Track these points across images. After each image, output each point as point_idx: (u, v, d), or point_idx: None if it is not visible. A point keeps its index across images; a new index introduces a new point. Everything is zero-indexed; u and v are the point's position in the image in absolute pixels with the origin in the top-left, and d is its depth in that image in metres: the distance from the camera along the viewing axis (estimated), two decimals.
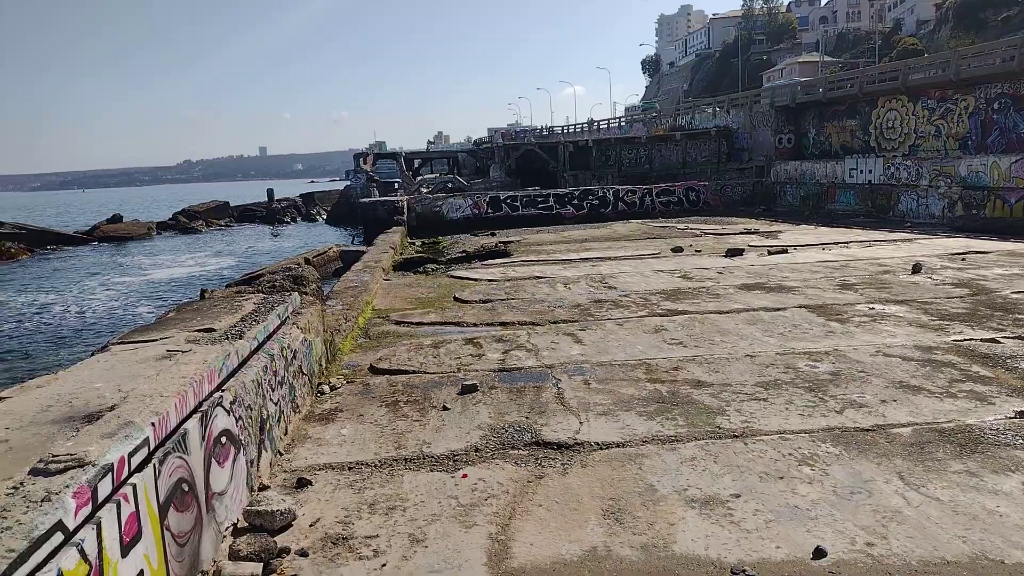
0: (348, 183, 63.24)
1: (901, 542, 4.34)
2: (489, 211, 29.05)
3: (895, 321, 10.00)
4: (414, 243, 24.23)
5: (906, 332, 9.36)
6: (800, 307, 11.12)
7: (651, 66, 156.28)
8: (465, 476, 5.51)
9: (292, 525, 4.79)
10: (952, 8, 73.78)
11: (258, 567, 4.23)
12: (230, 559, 4.30)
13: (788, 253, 17.25)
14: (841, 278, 13.57)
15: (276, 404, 6.01)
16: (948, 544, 4.29)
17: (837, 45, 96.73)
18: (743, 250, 17.55)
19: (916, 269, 13.88)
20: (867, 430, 6.10)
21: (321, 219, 64.34)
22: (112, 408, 3.77)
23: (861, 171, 26.54)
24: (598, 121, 59.46)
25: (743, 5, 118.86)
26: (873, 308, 10.88)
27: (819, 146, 31.83)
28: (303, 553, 4.45)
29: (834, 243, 18.86)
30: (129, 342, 5.51)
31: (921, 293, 11.85)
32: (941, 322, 9.81)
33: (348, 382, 8.12)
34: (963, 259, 15.39)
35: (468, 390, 7.52)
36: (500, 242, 22.21)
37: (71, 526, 2.78)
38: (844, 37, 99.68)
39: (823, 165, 28.77)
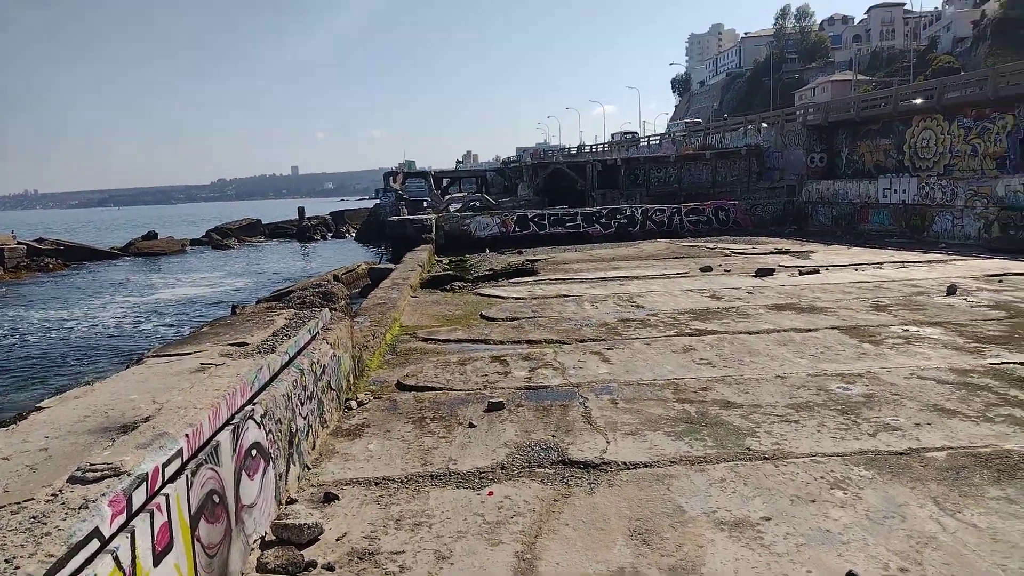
0: (377, 201, 63.96)
1: (936, 568, 4.24)
2: (516, 229, 29.15)
3: (930, 343, 9.81)
4: (441, 261, 24.38)
5: (941, 355, 9.18)
6: (832, 328, 10.97)
7: (681, 85, 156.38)
8: (491, 493, 5.50)
9: (319, 539, 4.82)
10: (990, 25, 72.83)
11: None
12: (258, 572, 4.34)
13: (820, 273, 17.03)
14: (874, 299, 13.36)
15: (305, 418, 6.07)
16: (986, 572, 4.18)
17: (871, 64, 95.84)
18: (773, 270, 17.37)
19: (951, 291, 13.61)
20: (901, 454, 5.98)
21: (350, 236, 65.10)
22: (147, 419, 3.85)
23: (895, 191, 26.17)
24: (631, 134, 59.53)
25: (775, 24, 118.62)
26: (907, 330, 10.69)
27: (852, 165, 31.48)
28: (330, 567, 4.47)
29: (867, 264, 18.59)
30: (164, 355, 5.62)
31: (956, 315, 11.62)
32: (977, 345, 9.61)
33: (375, 398, 8.17)
34: (1000, 281, 15.06)
35: (494, 407, 7.52)
36: (527, 260, 22.25)
37: (107, 534, 2.84)
38: (878, 55, 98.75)
39: (856, 184, 28.43)
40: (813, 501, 5.16)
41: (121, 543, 2.89)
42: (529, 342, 10.85)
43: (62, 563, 2.52)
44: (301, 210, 71.96)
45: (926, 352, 9.33)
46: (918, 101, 27.92)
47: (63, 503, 2.85)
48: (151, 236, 59.18)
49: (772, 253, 21.85)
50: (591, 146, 61.38)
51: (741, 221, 30.48)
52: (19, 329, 23.73)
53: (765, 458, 5.99)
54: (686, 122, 72.87)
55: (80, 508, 2.82)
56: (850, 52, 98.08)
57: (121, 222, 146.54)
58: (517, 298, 15.16)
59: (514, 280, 18.37)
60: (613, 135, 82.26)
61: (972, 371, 8.35)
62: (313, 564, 4.49)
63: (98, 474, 3.08)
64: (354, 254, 46.20)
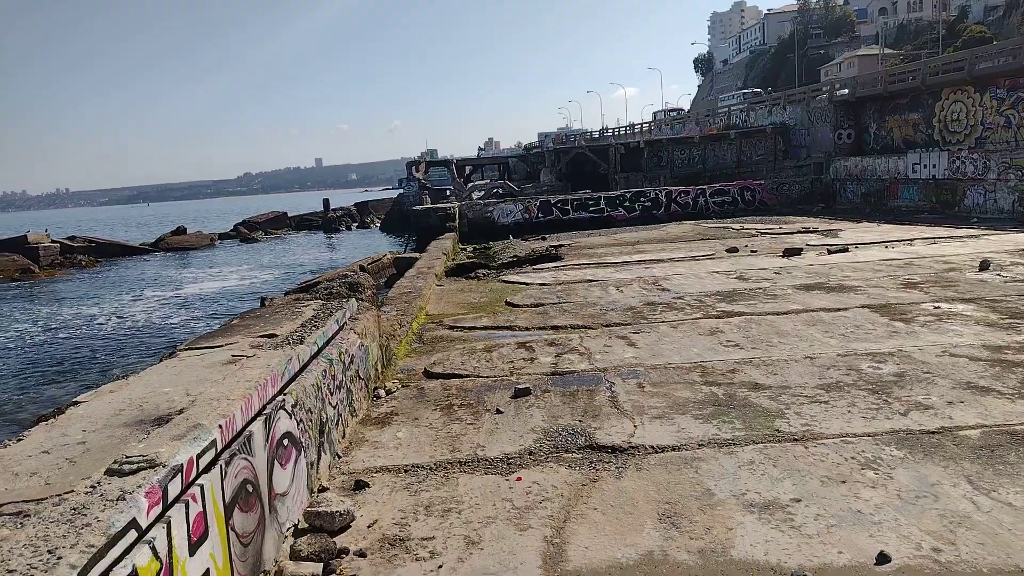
0: (401, 191, 64.13)
1: (971, 548, 4.19)
2: (540, 215, 29.08)
3: (962, 320, 9.64)
4: (465, 249, 24.43)
5: (974, 331, 9.01)
6: (862, 307, 10.82)
7: (704, 64, 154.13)
8: (519, 479, 5.54)
9: (351, 526, 4.90)
10: None
11: (318, 567, 4.34)
12: (291, 559, 4.42)
13: (849, 252, 16.79)
14: (905, 277, 13.14)
15: (335, 407, 6.15)
16: (1022, 551, 4.12)
17: (898, 37, 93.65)
18: (801, 249, 17.15)
19: (984, 266, 13.34)
20: (933, 432, 5.90)
21: (375, 227, 65.45)
22: (181, 411, 3.93)
23: (924, 166, 25.64)
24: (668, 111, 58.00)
25: None
26: (939, 307, 10.51)
27: (880, 141, 30.88)
28: (362, 554, 4.54)
29: (897, 241, 18.28)
30: (196, 348, 5.72)
31: (989, 291, 11.39)
32: (1011, 320, 9.42)
33: (403, 386, 8.24)
34: None
35: (521, 393, 7.55)
36: (551, 246, 22.21)
37: (144, 524, 2.91)
38: (905, 28, 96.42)
39: (884, 160, 27.90)
40: (844, 482, 5.12)
41: (158, 533, 2.97)
42: (555, 328, 10.85)
43: (102, 553, 2.59)
44: (326, 202, 72.48)
45: (958, 329, 9.17)
46: (949, 74, 27.25)
47: (101, 495, 2.93)
48: (180, 231, 60.05)
49: (800, 232, 21.57)
50: (627, 126, 59.69)
51: (767, 201, 30.10)
52: (55, 326, 24.27)
53: (795, 439, 5.95)
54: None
55: (118, 500, 2.89)
56: (876, 25, 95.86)
57: (150, 218, 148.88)
58: (541, 284, 15.16)
59: (538, 266, 18.36)
60: (655, 114, 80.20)
61: (1007, 348, 8.20)
62: (345, 551, 4.56)
63: (134, 466, 3.16)
64: (379, 244, 46.46)
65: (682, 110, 73.05)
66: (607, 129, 78.13)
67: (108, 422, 3.93)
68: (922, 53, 60.25)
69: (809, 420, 6.35)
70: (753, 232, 22.44)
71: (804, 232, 21.61)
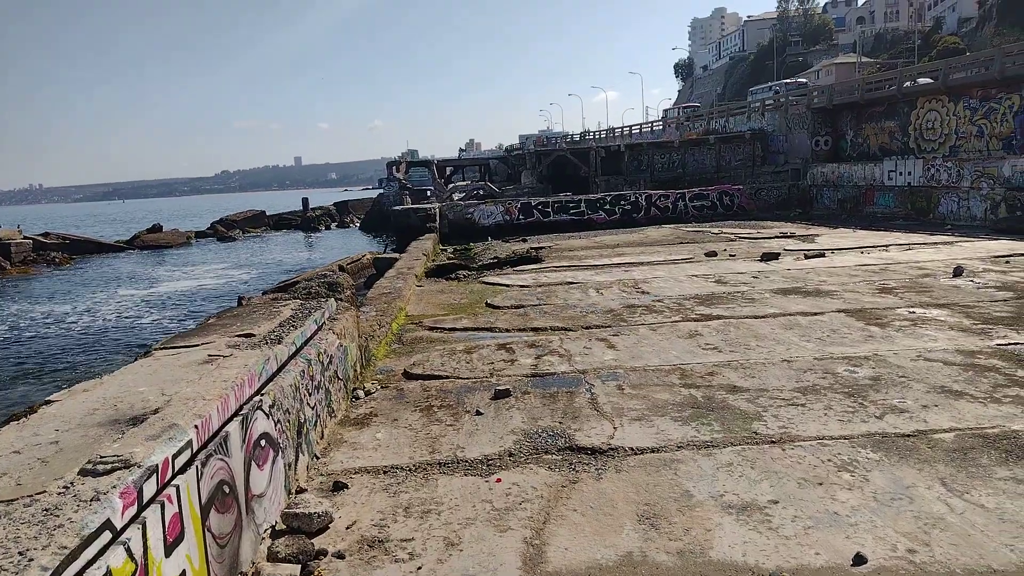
0: (381, 191, 63.91)
1: (944, 549, 4.24)
2: (520, 217, 29.10)
3: (936, 325, 9.78)
4: (446, 250, 24.37)
5: (948, 336, 9.15)
6: (838, 311, 10.94)
7: (684, 70, 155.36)
8: (499, 480, 5.52)
9: (329, 528, 4.86)
10: (996, 5, 72.03)
11: (296, 569, 4.30)
12: (269, 560, 4.37)
13: (825, 257, 16.98)
14: (880, 282, 13.32)
15: (313, 408, 6.10)
16: (995, 552, 4.19)
17: (875, 46, 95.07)
18: (779, 254, 17.32)
19: (957, 272, 13.57)
20: (908, 436, 5.98)
21: (355, 226, 65.11)
22: (156, 411, 3.87)
23: (900, 173, 26.02)
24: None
25: (778, 7, 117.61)
26: (914, 312, 10.66)
27: (857, 148, 31.30)
28: (340, 555, 4.51)
29: (873, 246, 18.52)
30: (172, 347, 5.64)
31: (963, 297, 11.58)
32: (984, 326, 9.58)
33: (383, 387, 8.20)
34: (1007, 262, 15.00)
35: (501, 395, 7.54)
36: (532, 248, 22.23)
37: (118, 525, 2.86)
38: (882, 38, 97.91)
39: (861, 167, 28.28)
40: (820, 484, 5.17)
41: (133, 534, 2.92)
42: (535, 329, 10.86)
43: (75, 555, 2.54)
44: (305, 200, 71.93)
45: (933, 334, 9.31)
46: (923, 82, 27.71)
47: (75, 495, 2.87)
48: (156, 229, 59.30)
49: (777, 237, 21.79)
50: (640, 124, 58.83)
51: (746, 205, 30.36)
52: (27, 323, 23.84)
53: (772, 442, 6.00)
54: (682, 107, 70.39)
55: (91, 500, 2.83)
56: (854, 34, 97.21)
57: (125, 215, 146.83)
58: (522, 286, 15.16)
59: (519, 268, 18.36)
60: (666, 111, 78.24)
61: (979, 352, 8.33)
62: (324, 552, 4.52)
63: (109, 466, 3.10)
64: (359, 244, 46.22)
65: (697, 106, 71.63)
66: (588, 132, 77.97)
67: (82, 421, 3.86)
68: (898, 63, 61.16)
69: (786, 422, 6.41)
70: (732, 236, 22.63)
71: (782, 237, 21.83)
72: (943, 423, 6.22)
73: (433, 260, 20.70)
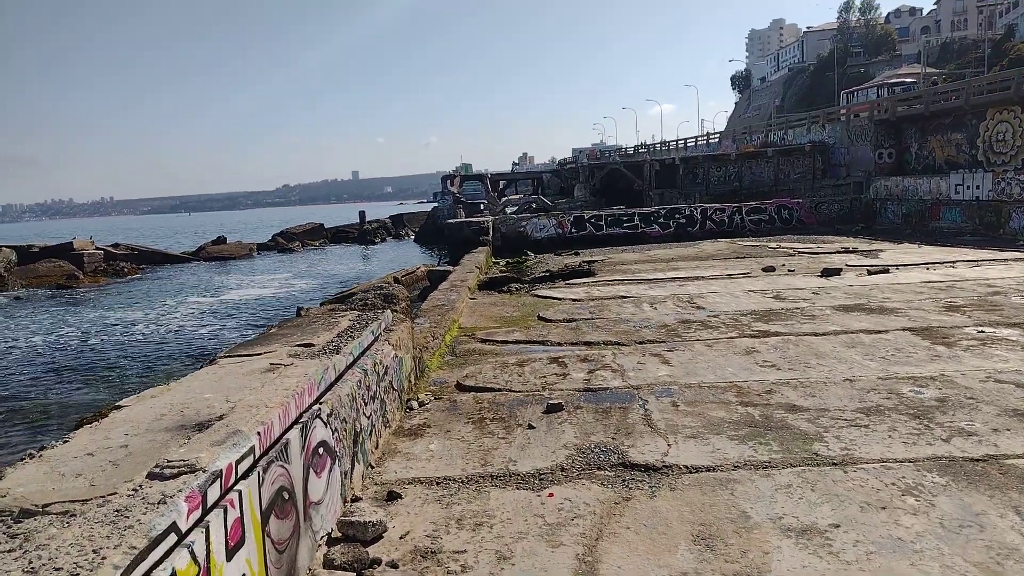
0: (435, 204, 64.70)
1: None
2: (573, 231, 29.06)
3: (1007, 345, 9.38)
4: (498, 263, 24.49)
5: (1019, 357, 8.76)
6: (903, 329, 10.59)
7: (741, 82, 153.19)
8: (551, 495, 5.50)
9: (383, 537, 4.91)
10: None
11: None
12: (325, 567, 4.44)
13: (889, 273, 16.46)
14: (947, 299, 12.85)
15: (368, 418, 6.19)
16: None
17: (940, 56, 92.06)
18: (840, 269, 16.87)
19: None
20: (977, 460, 5.74)
21: (410, 239, 66.07)
22: (221, 417, 3.99)
23: (968, 187, 25.10)
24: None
25: (838, 17, 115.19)
26: (983, 331, 10.25)
27: (921, 161, 30.35)
28: (394, 565, 4.55)
29: (939, 262, 17.88)
30: (235, 355, 5.82)
31: None
32: None
33: (436, 398, 8.27)
34: None
35: (553, 409, 7.52)
36: (584, 261, 22.16)
37: (183, 528, 2.95)
38: (948, 47, 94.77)
39: (926, 181, 27.39)
40: (884, 508, 5.00)
41: (196, 537, 3.01)
42: (587, 343, 10.81)
43: (143, 555, 2.63)
44: (362, 214, 73.36)
45: (1003, 354, 8.93)
46: (995, 93, 26.71)
47: (143, 498, 2.98)
48: (220, 241, 61.26)
49: (838, 252, 21.23)
50: (696, 137, 58.32)
51: (805, 220, 29.69)
52: (99, 331, 24.85)
53: (833, 463, 5.83)
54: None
55: (159, 503, 2.94)
56: (918, 44, 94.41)
57: (191, 228, 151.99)
58: (574, 299, 15.12)
59: (571, 281, 18.32)
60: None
61: None
62: (378, 561, 4.58)
63: (175, 470, 3.21)
64: (413, 256, 46.84)
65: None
66: (643, 145, 77.49)
67: (150, 426, 4.01)
68: (966, 72, 59.14)
69: (848, 444, 6.22)
70: (790, 251, 22.15)
71: (843, 252, 21.26)
72: (1016, 448, 5.94)
73: (486, 273, 20.83)
